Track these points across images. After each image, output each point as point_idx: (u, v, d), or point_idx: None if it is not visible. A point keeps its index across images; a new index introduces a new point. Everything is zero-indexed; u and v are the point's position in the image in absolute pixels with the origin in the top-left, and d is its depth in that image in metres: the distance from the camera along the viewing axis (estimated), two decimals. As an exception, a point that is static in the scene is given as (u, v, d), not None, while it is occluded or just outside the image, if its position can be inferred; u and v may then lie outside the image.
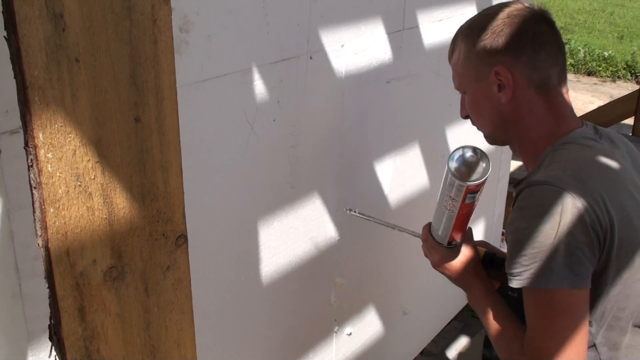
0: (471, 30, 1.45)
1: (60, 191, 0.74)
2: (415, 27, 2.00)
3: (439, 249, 1.56)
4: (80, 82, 0.73)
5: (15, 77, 0.69)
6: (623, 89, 7.97)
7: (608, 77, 8.47)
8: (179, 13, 1.23)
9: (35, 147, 0.71)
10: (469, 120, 1.54)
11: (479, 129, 1.53)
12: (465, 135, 2.36)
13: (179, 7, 1.22)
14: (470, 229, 1.58)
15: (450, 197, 1.41)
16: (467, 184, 1.36)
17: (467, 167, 1.38)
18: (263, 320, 1.69)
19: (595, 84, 8.26)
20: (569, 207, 1.24)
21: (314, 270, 1.84)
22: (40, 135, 0.71)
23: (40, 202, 0.73)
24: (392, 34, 1.88)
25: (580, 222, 1.24)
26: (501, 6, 1.44)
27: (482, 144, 1.52)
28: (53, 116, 0.71)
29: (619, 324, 1.35)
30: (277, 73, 1.50)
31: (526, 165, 1.48)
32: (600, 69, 8.57)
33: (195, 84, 1.30)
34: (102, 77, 0.75)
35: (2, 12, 0.67)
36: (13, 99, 0.72)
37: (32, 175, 0.72)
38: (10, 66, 0.70)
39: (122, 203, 0.81)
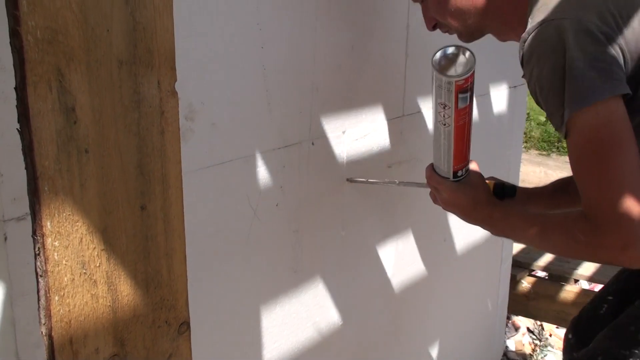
0: None
1: (65, 279, 0.75)
2: (417, 112, 2.05)
3: (446, 185, 1.45)
4: (89, 172, 0.75)
5: (26, 168, 0.71)
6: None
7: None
8: (185, 102, 1.27)
9: (42, 235, 0.72)
10: None
11: (450, 30, 1.49)
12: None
13: (185, 97, 1.26)
14: (475, 162, 1.48)
15: (442, 104, 1.32)
16: (454, 79, 1.27)
17: (449, 62, 1.30)
18: (265, 409, 1.65)
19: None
20: (568, 29, 1.19)
21: (317, 358, 1.81)
22: (48, 224, 0.72)
23: (45, 290, 0.73)
24: (392, 120, 1.93)
25: (587, 35, 1.18)
26: None
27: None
28: (61, 205, 0.73)
29: None
30: (280, 159, 1.53)
31: (515, 38, 1.40)
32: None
33: (199, 170, 1.33)
34: (111, 167, 0.77)
35: (17, 106, 0.70)
36: (19, 186, 0.74)
37: (38, 263, 0.73)
38: (17, 155, 0.72)
39: (126, 290, 0.81)
